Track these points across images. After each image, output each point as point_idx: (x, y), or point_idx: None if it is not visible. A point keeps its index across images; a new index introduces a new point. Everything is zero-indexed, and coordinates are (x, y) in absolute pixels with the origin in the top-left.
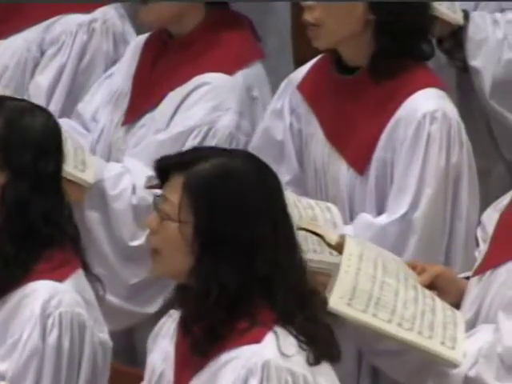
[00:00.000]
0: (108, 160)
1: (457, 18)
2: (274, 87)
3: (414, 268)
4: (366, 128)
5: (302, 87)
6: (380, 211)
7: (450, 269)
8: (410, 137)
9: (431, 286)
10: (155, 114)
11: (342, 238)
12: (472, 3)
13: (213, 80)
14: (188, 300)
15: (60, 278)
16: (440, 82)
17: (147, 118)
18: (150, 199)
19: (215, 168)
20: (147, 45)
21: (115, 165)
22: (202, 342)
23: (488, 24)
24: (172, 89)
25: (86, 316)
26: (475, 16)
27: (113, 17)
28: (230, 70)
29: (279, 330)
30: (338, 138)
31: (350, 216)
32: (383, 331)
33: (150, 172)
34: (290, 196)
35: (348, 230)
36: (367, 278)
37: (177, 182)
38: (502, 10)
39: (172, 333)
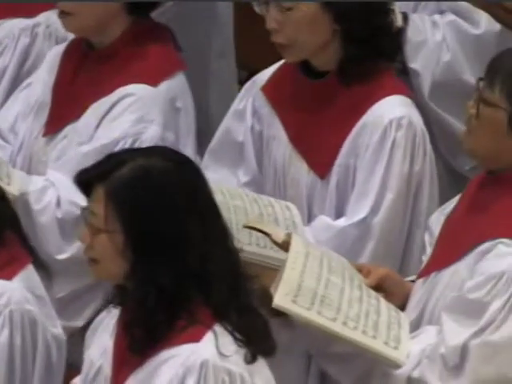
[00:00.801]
0: (28, 171)
1: (396, 20)
2: (218, 90)
3: (360, 270)
4: (331, 133)
5: (267, 89)
6: (339, 215)
7: (394, 271)
8: (375, 142)
9: (377, 288)
10: (78, 126)
11: (289, 236)
12: (411, 5)
13: (137, 91)
14: (127, 302)
15: (8, 276)
16: (407, 90)
17: (69, 129)
18: (76, 212)
19: (133, 171)
20: (66, 55)
21: (39, 178)
22: (142, 342)
23: (427, 26)
24: (95, 100)
25: (37, 312)
26: (414, 18)
27: (56, 21)
28: (153, 82)
29: (218, 328)
30: (301, 140)
31: (308, 218)
32: (328, 329)
33: (72, 184)
34: (250, 193)
35: (306, 230)
36: (313, 276)
37: (99, 193)
38: (441, 12)
39: (111, 329)
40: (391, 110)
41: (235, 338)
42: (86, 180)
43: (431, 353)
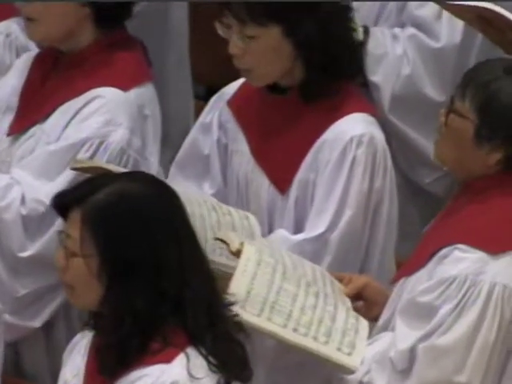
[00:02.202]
0: None
1: (357, 33)
2: (175, 101)
3: (340, 279)
4: (293, 148)
5: (232, 103)
6: (298, 230)
7: (376, 280)
8: (336, 158)
9: (358, 296)
10: (45, 126)
11: (242, 244)
12: (372, 18)
13: (107, 94)
14: (102, 327)
15: None
16: (370, 108)
17: (36, 130)
18: (40, 210)
19: (110, 196)
20: (37, 60)
21: (3, 176)
22: (113, 367)
23: (388, 39)
24: (64, 101)
25: None
26: (375, 31)
27: (16, 30)
28: (124, 86)
29: (191, 351)
30: (263, 155)
31: (269, 232)
32: (277, 336)
33: (38, 182)
34: (209, 200)
35: (261, 238)
36: (264, 283)
37: (75, 216)
38: (402, 25)
39: (84, 351)
40: (352, 127)
41: (209, 362)
42: (63, 203)
43: (381, 357)
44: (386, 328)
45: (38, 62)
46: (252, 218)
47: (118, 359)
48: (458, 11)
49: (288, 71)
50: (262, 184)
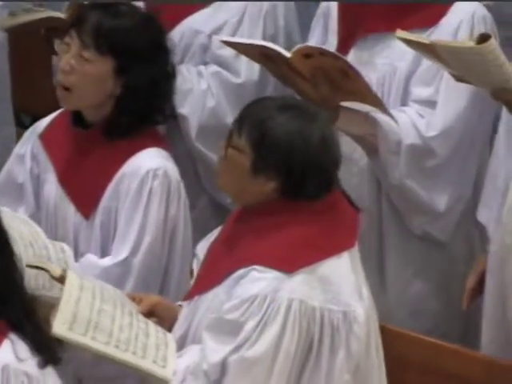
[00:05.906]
0: None
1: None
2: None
3: (133, 299)
4: (96, 178)
5: (43, 136)
6: (104, 253)
7: (165, 298)
8: (134, 190)
9: (150, 314)
10: None
11: (65, 271)
12: (178, 57)
13: None
14: None
15: None
16: (165, 144)
17: None
18: None
19: None
20: None
21: None
22: None
23: (193, 76)
24: None
25: None
26: (181, 69)
27: None
28: None
29: (13, 336)
30: (69, 184)
31: (75, 256)
32: (102, 352)
33: None
34: (27, 237)
35: (76, 267)
36: (87, 306)
37: None
38: (206, 63)
39: None
40: (148, 161)
41: (29, 347)
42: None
43: (195, 369)
44: (184, 340)
45: None
46: (68, 250)
47: None
48: (244, 50)
49: (98, 105)
50: (68, 210)
